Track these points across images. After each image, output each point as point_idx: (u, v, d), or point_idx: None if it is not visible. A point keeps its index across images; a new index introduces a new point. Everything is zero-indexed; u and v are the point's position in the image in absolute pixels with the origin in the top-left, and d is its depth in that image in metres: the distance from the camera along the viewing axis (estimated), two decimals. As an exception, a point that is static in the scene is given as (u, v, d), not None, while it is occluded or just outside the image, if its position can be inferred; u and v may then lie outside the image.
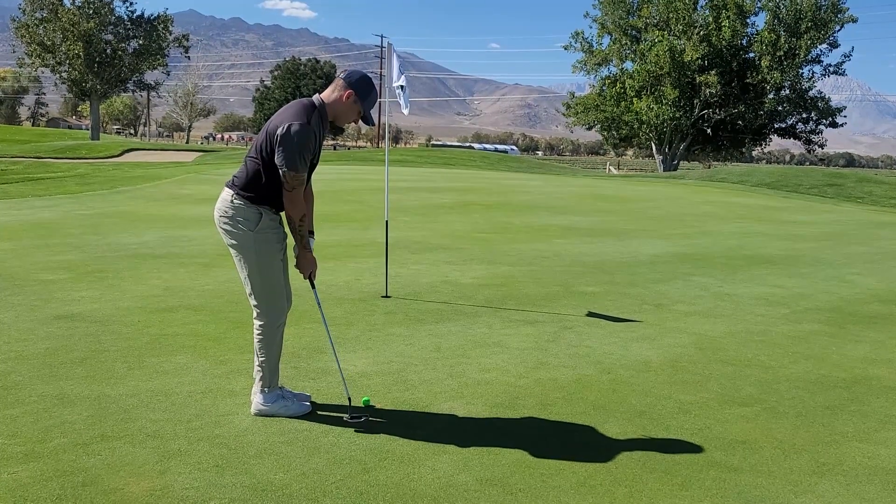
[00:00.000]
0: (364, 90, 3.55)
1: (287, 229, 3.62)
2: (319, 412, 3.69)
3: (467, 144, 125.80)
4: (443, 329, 5.39)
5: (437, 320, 5.66)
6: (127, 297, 5.96)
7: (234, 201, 3.52)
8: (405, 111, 6.08)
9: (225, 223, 3.56)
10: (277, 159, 3.38)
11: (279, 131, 3.35)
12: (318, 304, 3.86)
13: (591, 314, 6.03)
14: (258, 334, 3.60)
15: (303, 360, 4.52)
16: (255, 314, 3.60)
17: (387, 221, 6.67)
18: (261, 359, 3.61)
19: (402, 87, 5.89)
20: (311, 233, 3.67)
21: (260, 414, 3.60)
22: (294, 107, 3.48)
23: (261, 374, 3.62)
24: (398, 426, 3.54)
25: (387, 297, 6.37)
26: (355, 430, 3.47)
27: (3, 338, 4.72)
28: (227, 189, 3.58)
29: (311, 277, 3.68)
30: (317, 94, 3.58)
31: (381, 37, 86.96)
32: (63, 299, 5.81)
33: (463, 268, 7.96)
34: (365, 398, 3.84)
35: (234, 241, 3.54)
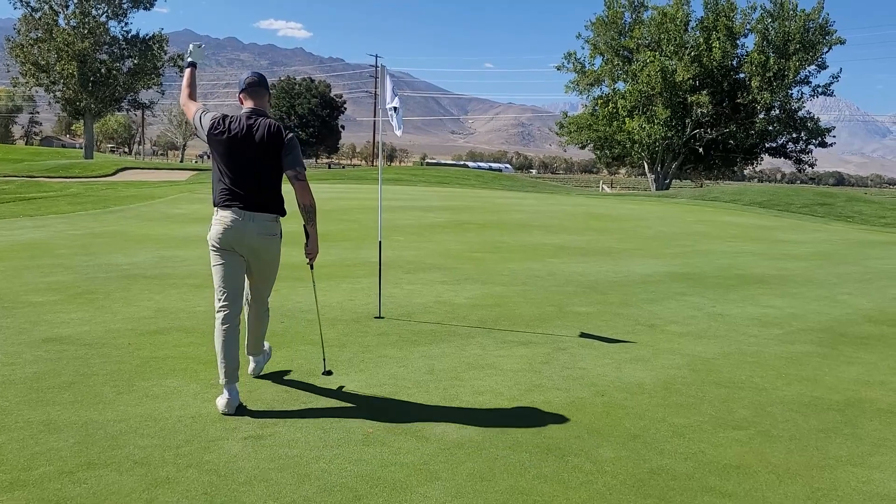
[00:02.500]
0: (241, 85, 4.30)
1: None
2: (310, 437, 3.64)
3: (462, 163, 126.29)
4: (436, 350, 5.37)
5: (431, 341, 5.63)
6: (117, 319, 5.92)
7: (277, 221, 4.23)
8: (398, 132, 6.09)
9: (273, 241, 4.22)
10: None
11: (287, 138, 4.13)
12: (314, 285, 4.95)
13: (584, 335, 6.02)
14: (265, 323, 4.54)
15: (293, 384, 4.48)
16: (266, 307, 4.51)
17: (380, 242, 6.65)
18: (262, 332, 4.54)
19: (395, 108, 5.91)
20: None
21: (258, 368, 4.57)
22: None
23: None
24: (390, 452, 3.51)
25: (380, 317, 6.35)
26: (346, 457, 3.43)
27: (-10, 361, 4.66)
28: (266, 213, 4.14)
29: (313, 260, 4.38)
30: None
31: (376, 56, 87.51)
32: (52, 322, 5.76)
33: (457, 288, 7.94)
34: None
35: (275, 254, 4.29)
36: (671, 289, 8.49)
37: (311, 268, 4.47)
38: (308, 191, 4.14)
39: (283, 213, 4.23)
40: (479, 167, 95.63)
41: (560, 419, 4.03)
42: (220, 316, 4.07)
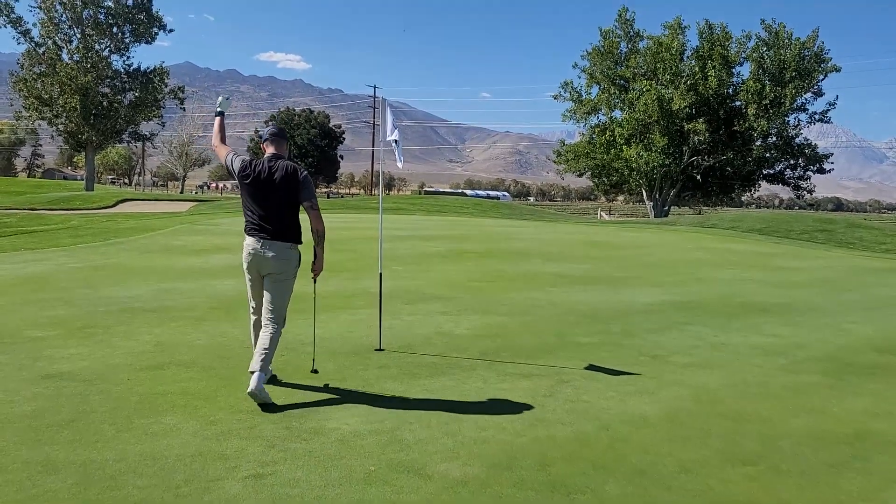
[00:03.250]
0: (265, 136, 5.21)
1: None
2: (311, 476, 3.59)
3: (459, 191, 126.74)
4: (437, 384, 5.31)
5: (432, 374, 5.58)
6: (117, 354, 5.87)
7: (294, 248, 5.03)
8: (399, 164, 6.11)
9: (286, 263, 4.98)
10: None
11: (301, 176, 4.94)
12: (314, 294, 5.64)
13: (587, 367, 5.96)
14: (274, 335, 4.92)
15: (294, 420, 4.42)
16: (275, 324, 4.99)
17: (381, 273, 6.63)
18: (269, 350, 4.83)
19: (395, 141, 5.93)
20: None
21: (257, 389, 4.58)
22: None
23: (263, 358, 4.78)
24: (392, 491, 3.45)
25: (380, 349, 6.30)
26: (348, 497, 3.37)
27: (-12, 399, 4.61)
28: (283, 241, 4.94)
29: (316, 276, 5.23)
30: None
31: (374, 87, 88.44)
32: (51, 357, 5.71)
33: (457, 318, 7.90)
34: None
35: (288, 274, 5.03)
36: (673, 318, 8.45)
37: (314, 281, 5.31)
38: (320, 219, 5.00)
39: (299, 241, 5.00)
40: (478, 195, 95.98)
41: (565, 454, 3.97)
42: (252, 319, 5.21)
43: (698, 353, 6.67)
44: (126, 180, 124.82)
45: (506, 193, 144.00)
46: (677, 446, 4.16)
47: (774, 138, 44.27)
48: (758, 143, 43.77)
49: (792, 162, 45.65)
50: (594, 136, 46.74)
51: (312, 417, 4.47)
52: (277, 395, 4.89)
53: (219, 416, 4.42)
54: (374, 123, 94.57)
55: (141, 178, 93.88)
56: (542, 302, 9.26)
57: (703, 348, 6.87)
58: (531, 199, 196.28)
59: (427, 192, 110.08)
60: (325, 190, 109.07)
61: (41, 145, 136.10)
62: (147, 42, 54.26)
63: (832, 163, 46.28)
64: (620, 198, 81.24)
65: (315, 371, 5.43)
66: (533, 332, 7.35)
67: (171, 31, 56.42)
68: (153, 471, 3.58)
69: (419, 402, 4.85)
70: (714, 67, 41.79)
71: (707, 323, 8.20)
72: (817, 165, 45.22)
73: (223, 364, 5.62)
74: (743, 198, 55.73)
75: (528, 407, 4.82)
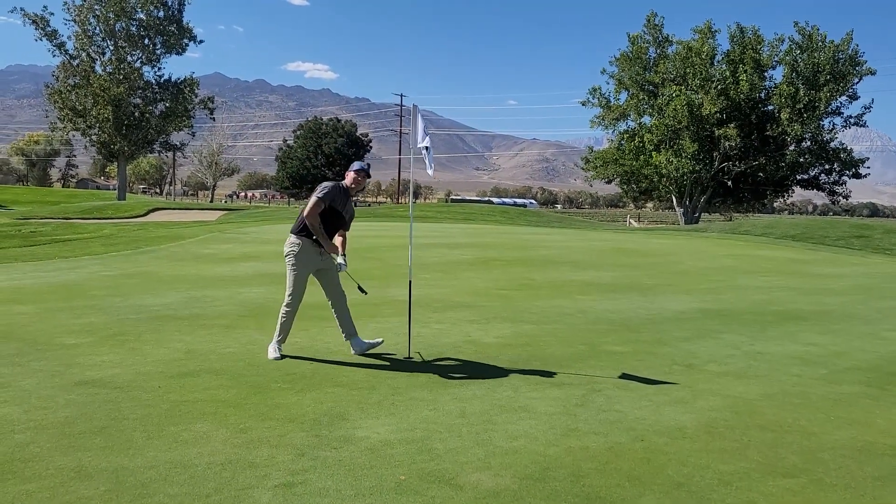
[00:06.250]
0: (353, 166, 6.28)
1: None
2: (341, 485, 3.55)
3: (486, 199, 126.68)
4: (467, 392, 5.25)
5: (462, 383, 5.52)
6: (148, 362, 5.91)
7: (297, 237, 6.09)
8: (430, 172, 6.07)
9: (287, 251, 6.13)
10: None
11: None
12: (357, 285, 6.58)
13: (619, 375, 5.86)
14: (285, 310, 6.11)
15: (324, 428, 4.39)
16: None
17: (410, 282, 6.59)
18: (282, 321, 6.13)
19: (426, 148, 5.90)
20: (344, 255, 6.30)
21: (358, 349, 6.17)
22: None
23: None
24: (423, 501, 3.39)
25: (409, 358, 6.26)
26: (379, 506, 3.33)
27: (24, 406, 4.66)
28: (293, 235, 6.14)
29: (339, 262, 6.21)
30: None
31: (401, 96, 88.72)
32: (84, 364, 5.77)
33: (486, 326, 7.84)
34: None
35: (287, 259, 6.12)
36: (706, 326, 8.29)
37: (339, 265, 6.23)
38: (306, 212, 6.01)
39: (300, 232, 6.08)
40: (504, 203, 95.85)
41: (599, 466, 3.88)
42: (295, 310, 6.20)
43: (733, 362, 6.51)
44: (157, 190, 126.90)
45: (533, 201, 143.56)
46: (715, 458, 4.04)
47: (808, 143, 43.43)
48: (791, 147, 42.99)
49: (827, 167, 44.73)
50: (623, 142, 46.33)
51: (342, 425, 4.44)
52: (307, 402, 4.88)
53: (249, 424, 4.41)
54: (400, 132, 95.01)
55: (171, 187, 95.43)
56: (571, 310, 9.15)
57: (739, 357, 6.71)
58: (558, 206, 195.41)
59: (454, 201, 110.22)
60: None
61: (75, 156, 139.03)
62: (178, 53, 55.18)
63: (868, 167, 45.31)
64: (649, 205, 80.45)
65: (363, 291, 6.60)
66: (563, 340, 7.25)
67: (201, 41, 57.35)
68: (184, 479, 3.57)
69: (448, 411, 4.79)
70: (745, 71, 41.16)
71: (741, 331, 8.02)
72: (853, 170, 44.25)
73: (253, 372, 5.62)
74: (775, 204, 54.62)
75: (560, 416, 4.73)
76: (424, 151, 6.08)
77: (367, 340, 6.36)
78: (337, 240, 6.24)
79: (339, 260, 6.12)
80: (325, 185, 6.01)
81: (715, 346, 7.16)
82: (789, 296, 11.09)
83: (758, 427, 4.61)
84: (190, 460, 3.81)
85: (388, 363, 6.07)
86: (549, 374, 5.84)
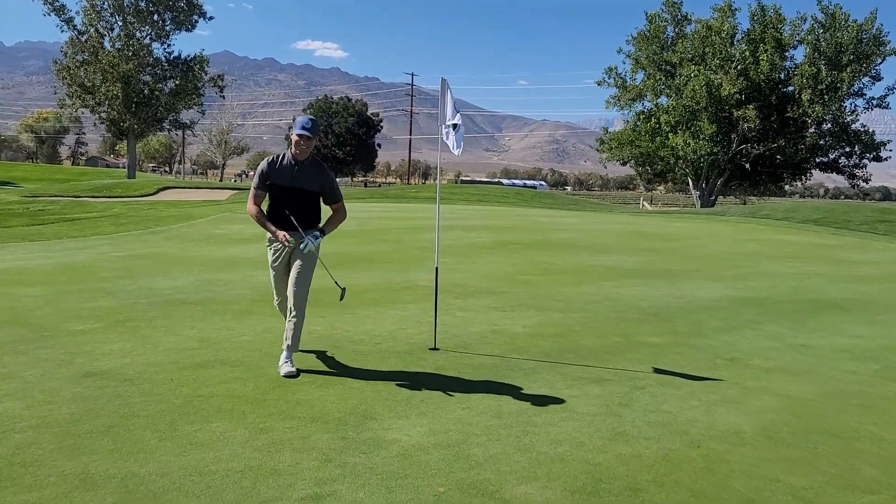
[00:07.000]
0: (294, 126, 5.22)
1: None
2: (374, 498, 3.19)
3: (496, 180, 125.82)
4: (501, 388, 4.89)
5: (493, 377, 5.16)
6: (159, 351, 5.57)
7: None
8: (456, 152, 5.66)
9: None
10: None
11: None
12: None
13: (660, 370, 5.48)
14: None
15: (350, 429, 4.03)
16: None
17: (437, 269, 6.19)
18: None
19: (454, 125, 5.49)
20: (322, 231, 5.24)
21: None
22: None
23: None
24: (468, 519, 3.03)
25: (435, 349, 5.90)
26: (419, 524, 2.97)
27: (26, 400, 4.33)
28: None
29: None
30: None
31: (412, 75, 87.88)
32: (92, 353, 5.43)
33: (512, 315, 7.46)
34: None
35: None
36: (742, 316, 7.88)
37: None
38: (248, 206, 5.39)
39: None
40: (514, 184, 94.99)
41: (656, 477, 3.51)
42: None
43: (779, 356, 6.12)
44: (167, 168, 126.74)
45: (542, 183, 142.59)
46: (784, 469, 3.66)
47: (829, 125, 42.54)
48: (811, 129, 42.15)
49: (847, 150, 43.85)
50: (639, 123, 45.56)
51: (369, 426, 4.09)
52: (331, 398, 4.53)
53: (269, 424, 4.06)
54: (411, 112, 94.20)
55: (181, 166, 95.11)
56: (598, 297, 8.76)
57: (783, 350, 6.32)
58: (568, 188, 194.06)
59: (463, 182, 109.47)
60: (362, 179, 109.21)
61: (84, 133, 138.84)
62: (187, 29, 54.61)
63: (890, 150, 44.40)
64: (661, 187, 79.63)
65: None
66: (595, 331, 6.87)
67: (210, 18, 56.67)
68: (200, 488, 3.23)
69: (483, 410, 4.43)
70: (766, 51, 40.22)
71: (780, 321, 7.62)
72: (874, 153, 43.39)
73: (271, 363, 5.27)
74: (786, 187, 53.61)
75: (605, 417, 4.36)
76: (452, 129, 5.67)
77: (285, 366, 5.04)
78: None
79: (307, 238, 5.06)
80: (259, 167, 5.25)
81: (756, 338, 6.77)
82: (822, 283, 10.66)
83: (823, 432, 4.22)
84: (206, 466, 3.46)
85: (412, 355, 5.71)
86: (586, 369, 5.47)
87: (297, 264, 5.12)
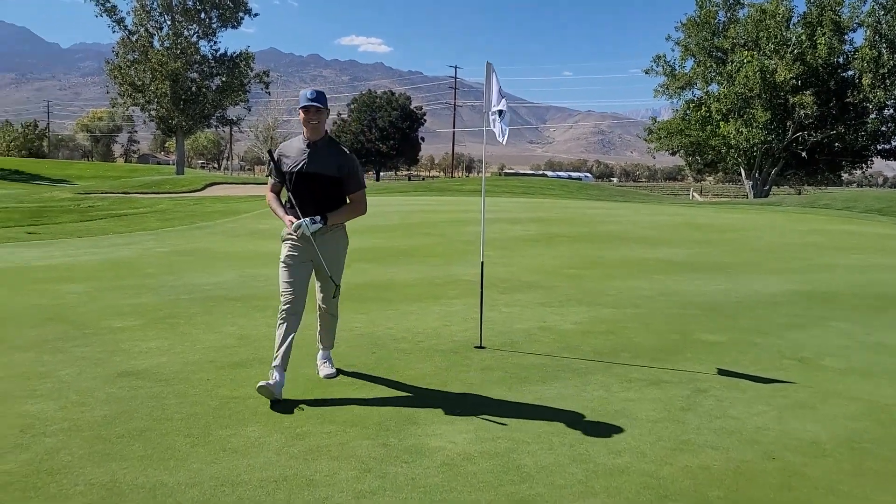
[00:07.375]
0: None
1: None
2: (417, 515, 2.93)
3: (540, 173, 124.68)
4: (551, 391, 4.58)
5: (543, 379, 4.85)
6: (198, 349, 5.42)
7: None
8: (502, 140, 5.36)
9: None
10: None
11: None
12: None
13: (723, 371, 5.09)
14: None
15: (392, 435, 3.78)
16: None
17: (482, 263, 5.90)
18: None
19: (500, 112, 5.18)
20: (325, 218, 4.48)
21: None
22: None
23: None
24: (519, 540, 2.75)
25: (481, 347, 5.62)
26: (465, 546, 2.70)
27: (60, 401, 4.20)
28: None
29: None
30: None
31: (455, 68, 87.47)
32: (130, 351, 5.32)
33: (560, 311, 7.13)
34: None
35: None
36: (808, 311, 7.39)
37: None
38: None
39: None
40: (559, 177, 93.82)
41: (728, 494, 3.17)
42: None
43: (853, 355, 5.66)
44: (215, 165, 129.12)
45: (588, 174, 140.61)
46: (874, 487, 3.27)
47: (892, 110, 40.63)
48: (872, 115, 40.29)
49: (912, 136, 41.89)
50: (688, 112, 44.28)
51: (412, 432, 3.83)
52: (371, 401, 4.29)
53: (306, 428, 3.84)
54: (455, 105, 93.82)
55: (229, 162, 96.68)
56: (650, 292, 8.35)
57: (857, 350, 5.85)
58: (614, 180, 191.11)
59: (507, 174, 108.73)
60: (406, 172, 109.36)
61: (136, 132, 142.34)
62: (233, 27, 55.27)
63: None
64: (710, 178, 77.58)
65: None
66: (649, 328, 6.49)
67: (256, 15, 57.28)
68: (231, 500, 3.02)
69: (533, 415, 4.13)
70: (824, 34, 38.57)
71: (849, 318, 7.11)
72: (940, 140, 41.40)
73: (310, 362, 5.05)
74: (844, 176, 51.49)
75: (666, 424, 4.02)
76: (497, 116, 5.36)
77: (324, 367, 4.85)
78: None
79: (304, 220, 4.41)
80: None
81: (825, 336, 6.30)
82: (891, 276, 10.02)
83: (913, 444, 3.81)
84: (238, 476, 3.25)
85: (457, 353, 5.44)
86: (642, 369, 5.12)
87: (322, 264, 4.55)
